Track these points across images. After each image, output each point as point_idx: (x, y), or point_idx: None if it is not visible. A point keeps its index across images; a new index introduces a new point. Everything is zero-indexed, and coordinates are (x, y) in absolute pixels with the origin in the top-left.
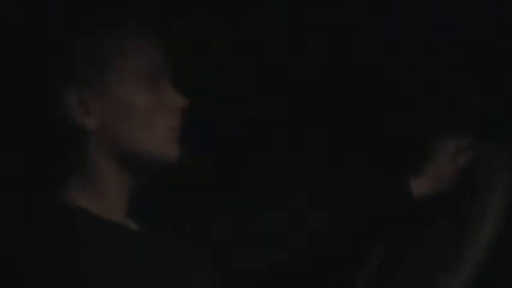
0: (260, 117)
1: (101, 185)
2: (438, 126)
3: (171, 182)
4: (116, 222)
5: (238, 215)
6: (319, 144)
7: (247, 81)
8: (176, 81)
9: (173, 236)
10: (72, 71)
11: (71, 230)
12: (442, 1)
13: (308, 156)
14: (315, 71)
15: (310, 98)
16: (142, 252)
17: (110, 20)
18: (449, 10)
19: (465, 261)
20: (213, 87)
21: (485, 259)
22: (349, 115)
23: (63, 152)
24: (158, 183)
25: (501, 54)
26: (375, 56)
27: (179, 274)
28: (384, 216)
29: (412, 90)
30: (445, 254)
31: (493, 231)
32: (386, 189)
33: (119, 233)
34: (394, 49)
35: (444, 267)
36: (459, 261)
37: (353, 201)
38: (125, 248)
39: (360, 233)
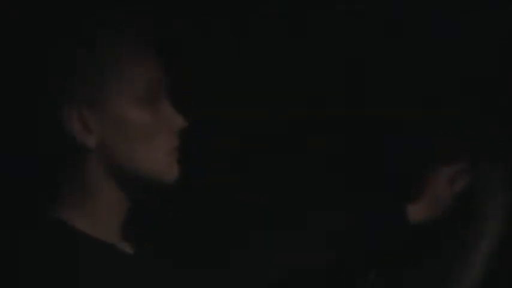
0: (260, 118)
1: (97, 202)
2: (435, 152)
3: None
4: (111, 244)
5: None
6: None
7: (247, 81)
8: (176, 89)
9: (170, 257)
10: (72, 71)
11: (65, 249)
12: (441, 2)
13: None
14: (316, 73)
15: (311, 99)
16: (136, 275)
17: (110, 21)
18: (448, 11)
19: (464, 283)
20: (213, 87)
21: (483, 279)
22: (349, 126)
23: (61, 168)
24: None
25: (501, 56)
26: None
27: None
28: (381, 242)
29: (411, 116)
30: (444, 277)
31: (491, 253)
32: (384, 215)
33: (113, 255)
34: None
35: None
36: (459, 283)
37: (350, 228)
38: (118, 271)
39: (356, 258)
